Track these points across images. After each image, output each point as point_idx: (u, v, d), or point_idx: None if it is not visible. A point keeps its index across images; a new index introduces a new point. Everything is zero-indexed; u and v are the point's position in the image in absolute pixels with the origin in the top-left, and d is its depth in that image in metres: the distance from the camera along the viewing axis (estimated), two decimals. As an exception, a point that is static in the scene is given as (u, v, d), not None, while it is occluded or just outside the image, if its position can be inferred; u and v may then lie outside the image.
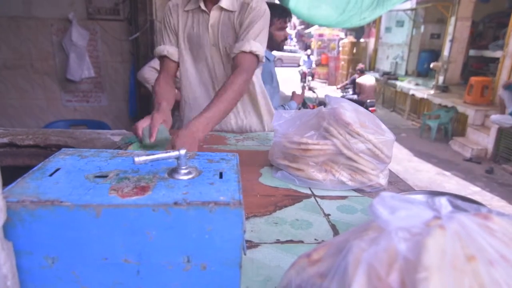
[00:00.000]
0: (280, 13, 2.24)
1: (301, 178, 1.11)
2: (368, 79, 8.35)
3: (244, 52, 1.41)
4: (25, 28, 3.46)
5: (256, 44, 1.43)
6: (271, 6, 2.01)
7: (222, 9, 1.48)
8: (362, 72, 8.52)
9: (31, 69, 3.60)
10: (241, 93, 1.38)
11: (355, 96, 8.26)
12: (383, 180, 1.11)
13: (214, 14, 1.48)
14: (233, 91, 1.32)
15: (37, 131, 1.55)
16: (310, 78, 12.76)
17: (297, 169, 1.12)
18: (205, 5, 1.48)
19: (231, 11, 1.48)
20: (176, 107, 2.77)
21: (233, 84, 1.32)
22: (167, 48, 1.55)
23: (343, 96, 8.29)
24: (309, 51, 16.42)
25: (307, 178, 1.11)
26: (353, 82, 8.74)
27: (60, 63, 3.60)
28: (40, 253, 0.52)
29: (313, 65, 14.87)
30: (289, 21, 2.37)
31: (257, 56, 1.44)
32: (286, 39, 2.35)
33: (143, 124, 1.21)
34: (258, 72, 1.67)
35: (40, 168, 0.62)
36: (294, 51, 20.63)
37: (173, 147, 1.09)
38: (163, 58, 1.58)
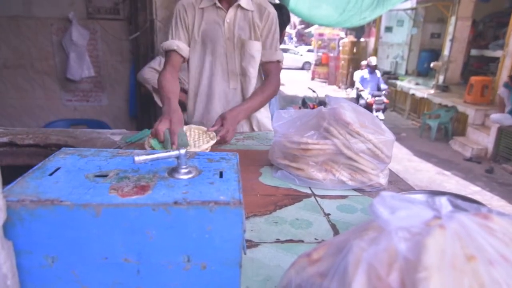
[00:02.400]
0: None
1: (301, 178, 1.11)
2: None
3: (272, 62, 1.68)
4: (25, 28, 3.46)
5: (281, 53, 1.70)
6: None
7: (239, 7, 1.60)
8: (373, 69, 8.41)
9: (31, 69, 3.60)
10: (272, 96, 1.69)
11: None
12: (383, 180, 1.11)
13: (231, 11, 1.60)
14: (266, 94, 1.66)
15: (37, 130, 1.55)
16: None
17: (297, 169, 1.12)
18: (220, 3, 1.59)
19: (248, 10, 1.62)
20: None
21: (266, 89, 1.66)
22: (177, 43, 1.60)
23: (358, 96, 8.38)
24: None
25: (307, 178, 1.11)
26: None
27: (60, 62, 3.59)
28: (40, 252, 0.52)
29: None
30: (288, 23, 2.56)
31: (280, 62, 1.72)
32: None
33: (163, 127, 1.25)
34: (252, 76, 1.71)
35: (40, 168, 0.62)
36: (295, 53, 20.00)
37: (223, 125, 1.45)
38: (170, 52, 1.62)
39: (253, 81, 1.68)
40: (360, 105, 7.45)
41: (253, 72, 1.67)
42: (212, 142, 1.31)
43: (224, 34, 1.61)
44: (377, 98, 7.88)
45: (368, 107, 7.85)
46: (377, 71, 8.55)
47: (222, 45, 1.62)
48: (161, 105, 2.77)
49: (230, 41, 1.62)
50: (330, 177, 1.09)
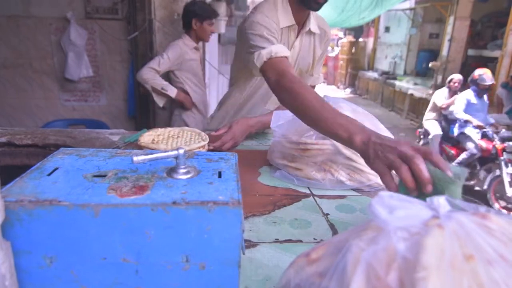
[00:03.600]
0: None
1: (300, 178, 1.11)
2: None
3: (313, 86, 1.64)
4: (24, 27, 3.45)
5: (321, 77, 1.71)
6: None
7: (310, 32, 1.51)
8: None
9: (30, 68, 3.59)
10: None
11: None
12: (378, 178, 1.11)
13: (300, 37, 1.49)
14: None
15: (35, 130, 1.55)
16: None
17: (296, 169, 1.12)
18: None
19: (314, 33, 1.53)
20: (176, 106, 2.78)
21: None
22: (272, 48, 1.24)
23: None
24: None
25: (306, 178, 1.11)
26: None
27: (58, 62, 3.59)
28: (38, 252, 0.52)
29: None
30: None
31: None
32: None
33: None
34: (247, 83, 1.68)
35: (38, 168, 0.62)
36: None
37: (230, 128, 1.38)
38: (280, 59, 1.23)
39: None
40: (467, 155, 4.68)
41: None
42: (203, 143, 1.18)
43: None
44: (508, 143, 4.29)
45: (485, 157, 4.58)
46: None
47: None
48: (160, 104, 2.78)
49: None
50: (329, 177, 1.09)
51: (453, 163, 4.57)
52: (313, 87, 1.64)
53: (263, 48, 1.24)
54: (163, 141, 1.20)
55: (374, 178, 1.09)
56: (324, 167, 1.10)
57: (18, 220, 0.50)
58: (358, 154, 1.04)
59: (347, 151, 1.06)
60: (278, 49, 1.23)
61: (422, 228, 0.41)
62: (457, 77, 5.52)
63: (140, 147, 1.17)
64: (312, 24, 1.49)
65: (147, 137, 1.22)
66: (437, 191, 0.79)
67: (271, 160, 1.22)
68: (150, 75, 2.55)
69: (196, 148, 1.17)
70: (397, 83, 10.05)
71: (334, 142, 1.06)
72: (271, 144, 1.22)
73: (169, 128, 1.29)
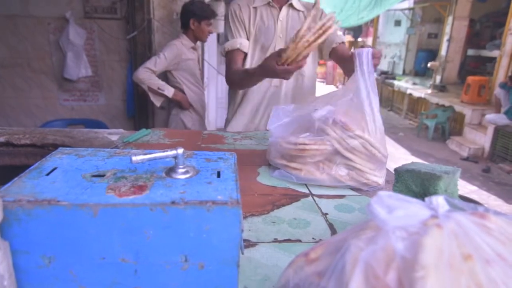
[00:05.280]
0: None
1: (299, 177, 1.12)
2: None
3: (343, 42, 1.69)
4: (23, 27, 3.44)
5: (343, 35, 1.75)
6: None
7: (291, 6, 1.68)
8: None
9: (28, 68, 3.58)
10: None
11: None
12: (380, 179, 1.11)
13: (284, 10, 1.67)
14: None
15: (34, 130, 1.54)
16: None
17: (294, 169, 1.12)
18: (272, 1, 1.67)
19: (299, 10, 1.70)
20: (174, 106, 2.78)
21: None
22: (239, 41, 1.66)
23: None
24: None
25: (304, 177, 1.11)
26: None
27: (57, 62, 3.58)
28: (37, 252, 0.52)
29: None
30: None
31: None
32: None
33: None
34: None
35: (37, 168, 0.62)
36: None
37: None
38: (233, 51, 1.66)
39: (306, 81, 1.73)
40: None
41: (307, 71, 1.72)
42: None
43: (276, 32, 1.66)
44: None
45: None
46: None
47: (274, 42, 1.67)
48: (157, 104, 2.77)
49: (281, 39, 1.67)
50: (328, 176, 1.10)
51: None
52: (342, 43, 1.68)
53: (225, 42, 1.69)
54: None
55: (373, 177, 1.09)
56: (322, 166, 1.10)
57: (17, 220, 0.50)
58: (356, 154, 1.06)
59: (345, 151, 1.06)
60: (230, 44, 1.65)
61: (420, 228, 0.41)
62: None
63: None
64: (295, 1, 1.67)
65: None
66: (427, 189, 0.82)
67: (270, 160, 1.22)
68: (146, 75, 2.55)
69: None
70: (396, 82, 10.06)
71: (333, 142, 1.06)
72: (269, 144, 1.22)
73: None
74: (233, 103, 1.83)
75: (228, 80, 1.70)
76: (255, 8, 1.67)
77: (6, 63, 3.53)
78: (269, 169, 1.23)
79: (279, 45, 1.67)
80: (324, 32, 1.20)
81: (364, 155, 1.07)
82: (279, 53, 1.27)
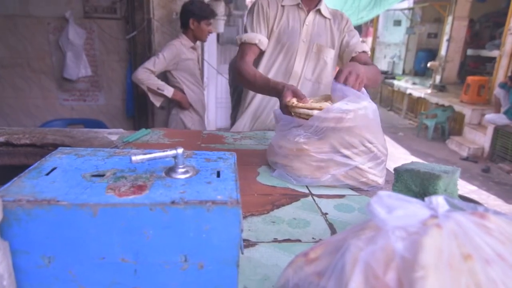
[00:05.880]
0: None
1: (298, 177, 1.12)
2: None
3: (365, 52, 1.66)
4: (22, 27, 3.44)
5: (366, 45, 1.72)
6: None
7: (319, 12, 1.65)
8: None
9: (28, 68, 3.58)
10: (379, 78, 1.56)
11: None
12: (380, 179, 1.12)
13: (311, 15, 1.64)
14: (376, 70, 1.54)
15: (33, 130, 1.54)
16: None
17: (294, 168, 1.12)
18: (302, 3, 1.63)
19: (326, 18, 1.66)
20: (174, 106, 2.78)
21: (376, 69, 1.56)
22: (259, 37, 1.60)
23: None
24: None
25: (304, 177, 1.11)
26: None
27: (57, 61, 3.58)
28: (36, 252, 0.51)
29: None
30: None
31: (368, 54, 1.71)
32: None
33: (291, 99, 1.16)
34: None
35: (36, 167, 0.62)
36: None
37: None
38: (250, 45, 1.59)
39: (322, 87, 1.70)
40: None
41: (324, 79, 1.70)
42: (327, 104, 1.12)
43: (301, 36, 1.62)
44: None
45: None
46: None
47: (297, 46, 1.63)
48: (157, 104, 2.77)
49: (305, 44, 1.64)
50: (327, 176, 1.10)
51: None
52: (364, 52, 1.65)
53: (244, 33, 1.63)
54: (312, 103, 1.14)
55: (372, 176, 1.09)
56: (322, 166, 1.10)
57: (16, 219, 0.50)
58: (356, 152, 1.05)
59: (345, 150, 1.06)
60: (249, 37, 1.59)
61: (420, 228, 0.41)
62: None
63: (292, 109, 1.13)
64: (323, 8, 1.64)
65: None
66: (427, 189, 0.83)
67: (270, 159, 1.22)
68: (145, 75, 2.54)
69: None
70: (395, 82, 10.06)
71: (332, 141, 1.06)
72: (269, 144, 1.22)
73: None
74: (244, 103, 1.80)
75: (240, 71, 1.52)
76: (283, 6, 1.62)
77: (5, 63, 3.53)
78: (269, 169, 1.23)
79: (301, 50, 1.63)
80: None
81: (362, 153, 1.07)
82: (295, 94, 1.19)
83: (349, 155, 1.07)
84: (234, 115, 2.19)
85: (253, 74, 1.46)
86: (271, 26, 1.62)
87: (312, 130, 1.09)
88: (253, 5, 1.64)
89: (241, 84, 1.72)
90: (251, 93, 1.76)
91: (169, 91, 2.62)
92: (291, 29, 1.62)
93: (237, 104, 2.19)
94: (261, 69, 1.66)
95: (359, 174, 1.09)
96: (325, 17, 1.66)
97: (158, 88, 2.59)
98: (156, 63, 2.55)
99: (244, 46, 1.60)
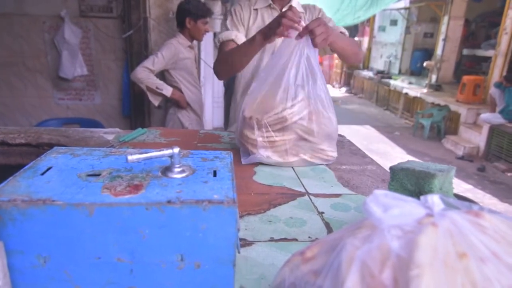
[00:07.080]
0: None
1: (271, 160, 1.25)
2: None
3: (342, 32, 1.65)
4: (17, 25, 3.42)
5: (343, 28, 1.72)
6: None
7: (291, 8, 1.66)
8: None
9: (23, 67, 3.56)
10: (356, 49, 1.62)
11: None
12: (335, 153, 1.31)
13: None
14: (353, 41, 1.68)
15: (29, 129, 1.53)
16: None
17: (267, 157, 1.24)
18: (273, 3, 1.68)
19: (300, 12, 1.65)
20: (171, 105, 2.77)
21: (354, 41, 1.69)
22: (235, 33, 1.64)
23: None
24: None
25: (277, 160, 1.25)
26: None
27: (52, 60, 3.56)
28: (32, 252, 0.51)
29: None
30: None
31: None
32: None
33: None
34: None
35: (31, 167, 0.62)
36: None
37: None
38: (227, 42, 1.63)
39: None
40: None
41: None
42: None
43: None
44: None
45: None
46: None
47: (275, 42, 1.63)
48: (155, 104, 2.76)
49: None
50: (297, 158, 1.26)
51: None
52: (341, 32, 1.66)
53: (220, 33, 1.69)
54: None
55: (331, 153, 1.29)
56: (292, 152, 1.25)
57: (11, 219, 0.49)
58: (317, 136, 1.22)
59: (308, 136, 1.22)
60: (225, 34, 1.63)
61: (416, 226, 0.41)
62: None
63: None
64: (295, 3, 1.67)
65: None
66: (422, 188, 0.84)
67: (238, 141, 1.31)
68: (144, 74, 2.54)
69: None
70: (392, 82, 10.09)
71: (297, 130, 1.20)
72: (238, 131, 1.29)
73: None
74: (234, 102, 1.81)
75: (217, 64, 1.62)
76: (256, 10, 1.67)
77: (1, 61, 3.51)
78: (266, 168, 1.23)
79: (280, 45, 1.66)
80: None
81: (322, 136, 1.24)
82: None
83: (313, 139, 1.23)
84: (227, 115, 2.19)
85: (228, 52, 1.53)
86: (247, 27, 1.67)
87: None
88: (228, 13, 1.71)
89: (226, 71, 1.70)
90: (240, 92, 1.77)
91: (167, 91, 2.62)
92: None
93: (228, 104, 2.19)
94: (247, 70, 1.69)
95: (321, 154, 1.28)
96: (298, 12, 1.68)
97: (157, 88, 2.58)
98: (155, 62, 2.54)
99: (222, 45, 1.65)
